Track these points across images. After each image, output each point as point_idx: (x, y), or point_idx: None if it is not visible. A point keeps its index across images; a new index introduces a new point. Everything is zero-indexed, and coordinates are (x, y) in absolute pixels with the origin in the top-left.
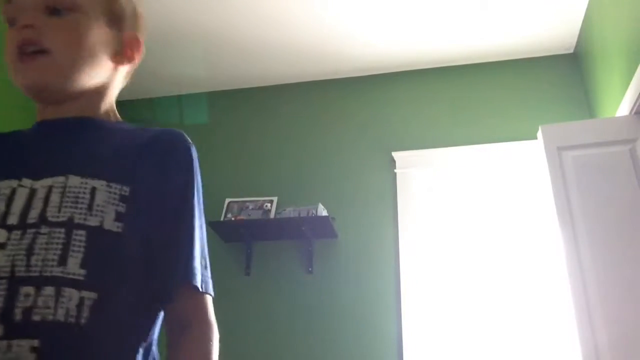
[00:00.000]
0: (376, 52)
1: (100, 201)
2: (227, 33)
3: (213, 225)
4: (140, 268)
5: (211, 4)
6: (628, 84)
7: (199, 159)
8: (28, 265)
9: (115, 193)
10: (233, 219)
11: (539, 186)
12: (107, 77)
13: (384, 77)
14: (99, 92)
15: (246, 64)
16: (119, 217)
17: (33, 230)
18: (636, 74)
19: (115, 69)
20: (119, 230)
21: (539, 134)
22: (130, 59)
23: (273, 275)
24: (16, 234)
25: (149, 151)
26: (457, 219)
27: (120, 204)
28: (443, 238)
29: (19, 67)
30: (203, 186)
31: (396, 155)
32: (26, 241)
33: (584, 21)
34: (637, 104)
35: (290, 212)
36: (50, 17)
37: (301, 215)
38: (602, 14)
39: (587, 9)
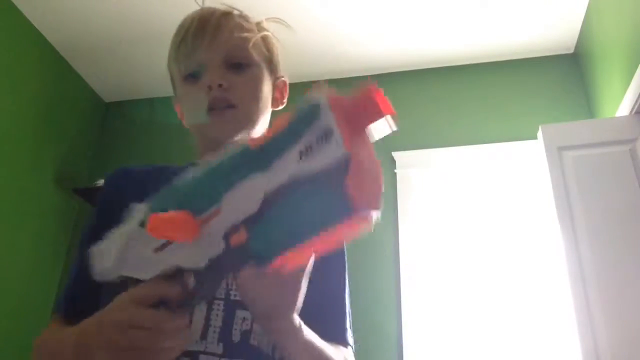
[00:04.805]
0: (376, 52)
1: None
2: None
3: None
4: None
5: (211, 3)
6: (628, 84)
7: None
8: None
9: None
10: None
11: (539, 186)
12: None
13: (384, 77)
14: None
15: None
16: None
17: None
18: (636, 74)
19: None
20: None
21: (539, 133)
22: (280, 103)
23: None
24: None
25: None
26: (457, 219)
27: None
28: (443, 238)
29: (212, 121)
30: None
31: (396, 155)
32: None
33: (584, 21)
34: (637, 104)
35: None
36: (232, 73)
37: None
38: (602, 14)
39: (587, 9)
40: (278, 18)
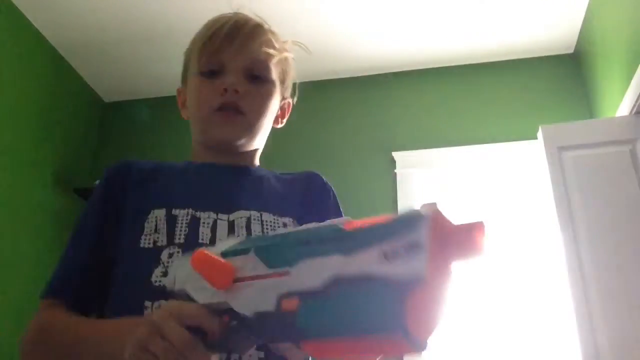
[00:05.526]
0: (376, 52)
1: None
2: None
3: None
4: None
5: (211, 3)
6: (628, 84)
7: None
8: None
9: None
10: None
11: (539, 186)
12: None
13: (384, 77)
14: (257, 150)
15: None
16: None
17: None
18: (636, 74)
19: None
20: None
21: (539, 134)
22: (280, 122)
23: None
24: None
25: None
26: (457, 219)
27: None
28: None
29: (217, 120)
30: None
31: (396, 155)
32: None
33: (584, 21)
34: (637, 104)
35: None
36: (250, 83)
37: None
38: (602, 13)
39: (588, 9)
40: (300, 42)
